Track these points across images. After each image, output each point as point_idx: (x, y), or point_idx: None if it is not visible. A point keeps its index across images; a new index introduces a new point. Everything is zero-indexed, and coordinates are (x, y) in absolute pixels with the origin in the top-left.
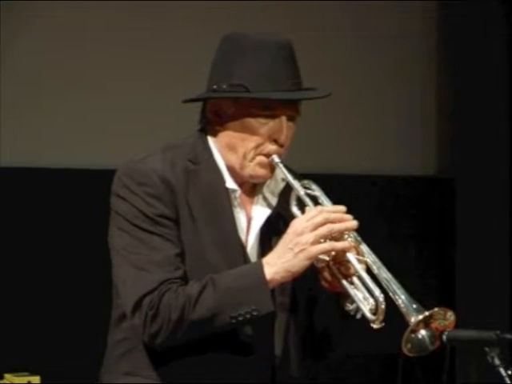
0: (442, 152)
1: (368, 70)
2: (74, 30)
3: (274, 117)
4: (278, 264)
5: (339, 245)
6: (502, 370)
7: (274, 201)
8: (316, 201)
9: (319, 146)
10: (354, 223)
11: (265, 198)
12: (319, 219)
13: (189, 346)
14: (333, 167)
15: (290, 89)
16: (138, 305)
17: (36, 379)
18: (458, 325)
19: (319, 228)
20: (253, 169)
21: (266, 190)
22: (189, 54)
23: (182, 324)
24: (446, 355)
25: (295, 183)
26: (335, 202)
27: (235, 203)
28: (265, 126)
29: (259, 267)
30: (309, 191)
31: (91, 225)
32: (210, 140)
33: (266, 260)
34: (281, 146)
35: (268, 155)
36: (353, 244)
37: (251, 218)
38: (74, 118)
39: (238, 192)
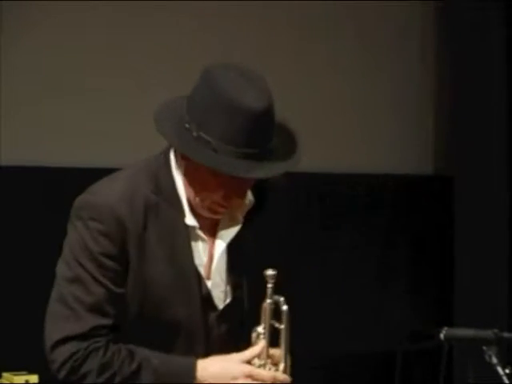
0: (440, 151)
1: (365, 68)
2: (74, 30)
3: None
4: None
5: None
6: (499, 369)
7: (239, 220)
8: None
9: (315, 145)
10: None
11: (232, 218)
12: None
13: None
14: (330, 166)
15: (257, 157)
16: (58, 343)
17: (34, 378)
18: (456, 323)
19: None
20: (205, 212)
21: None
22: (189, 55)
23: None
24: (444, 353)
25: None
26: (332, 200)
27: (195, 237)
28: (221, 181)
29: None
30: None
31: None
32: (174, 167)
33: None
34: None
35: (222, 206)
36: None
37: (214, 248)
38: (73, 117)
39: (197, 227)
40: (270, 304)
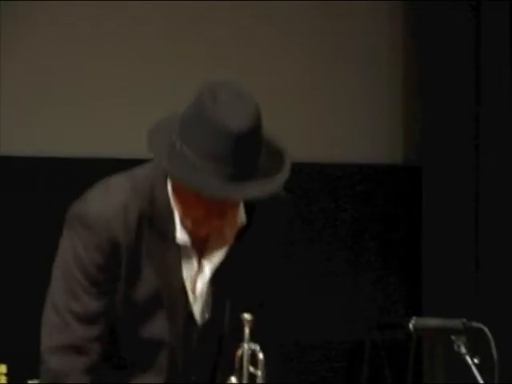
0: (409, 141)
1: (335, 58)
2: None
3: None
4: None
5: None
6: (468, 359)
7: (229, 239)
8: None
9: (286, 134)
10: None
11: (222, 237)
12: None
13: None
14: (299, 155)
15: (235, 178)
16: (48, 350)
17: (3, 368)
18: (425, 314)
19: None
20: (191, 227)
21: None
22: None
23: None
24: (413, 343)
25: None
26: (303, 189)
27: (185, 251)
28: (200, 199)
29: None
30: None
31: None
32: (169, 180)
33: None
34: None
35: (202, 225)
36: None
37: (203, 266)
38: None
39: (188, 244)
40: (248, 350)
